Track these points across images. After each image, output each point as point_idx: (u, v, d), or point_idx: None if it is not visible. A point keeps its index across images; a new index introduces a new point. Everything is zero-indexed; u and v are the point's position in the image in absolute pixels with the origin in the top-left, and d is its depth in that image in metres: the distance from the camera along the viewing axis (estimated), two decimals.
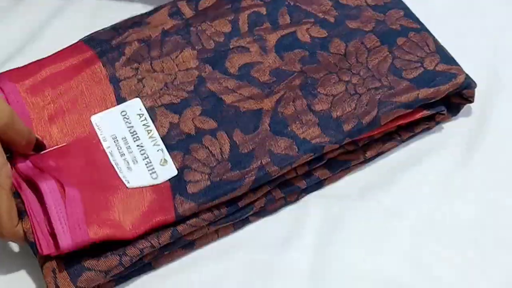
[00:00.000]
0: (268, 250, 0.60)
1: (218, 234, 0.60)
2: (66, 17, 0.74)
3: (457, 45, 0.67)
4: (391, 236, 0.60)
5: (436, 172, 0.63)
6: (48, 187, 0.56)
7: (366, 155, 0.63)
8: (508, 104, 0.67)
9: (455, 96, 0.64)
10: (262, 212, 0.61)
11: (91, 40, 0.65)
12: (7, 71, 0.63)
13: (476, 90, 0.64)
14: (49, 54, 0.64)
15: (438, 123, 0.65)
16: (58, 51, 0.64)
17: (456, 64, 0.64)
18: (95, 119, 0.61)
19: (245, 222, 0.61)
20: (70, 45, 0.65)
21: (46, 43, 0.71)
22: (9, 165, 0.55)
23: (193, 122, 0.61)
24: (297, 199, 0.62)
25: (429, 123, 0.64)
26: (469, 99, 0.64)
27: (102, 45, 0.64)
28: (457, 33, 0.71)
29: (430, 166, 0.64)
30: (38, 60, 0.64)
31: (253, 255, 0.60)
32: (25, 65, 0.64)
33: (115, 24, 0.66)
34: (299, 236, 0.61)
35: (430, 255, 0.59)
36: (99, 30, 0.66)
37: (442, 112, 0.64)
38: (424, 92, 0.62)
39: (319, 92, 0.62)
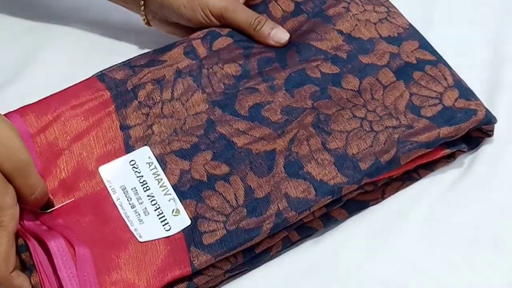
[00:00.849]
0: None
1: None
2: (57, 43, 0.73)
3: (456, 45, 0.67)
4: (391, 237, 0.59)
5: (438, 174, 0.62)
6: (56, 245, 0.54)
7: (385, 195, 0.61)
8: (508, 105, 0.66)
9: (474, 131, 0.62)
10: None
11: (105, 77, 0.62)
12: (20, 108, 0.61)
13: (478, 92, 0.63)
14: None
15: (456, 158, 0.63)
16: (71, 87, 0.62)
17: (476, 98, 0.62)
18: (104, 170, 0.59)
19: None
20: (83, 81, 0.62)
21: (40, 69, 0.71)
22: (17, 209, 0.53)
23: (205, 168, 0.58)
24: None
25: (449, 160, 0.62)
26: (488, 133, 0.62)
27: (118, 86, 0.62)
28: (455, 34, 0.70)
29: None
30: (51, 96, 0.61)
31: None
32: (38, 102, 0.61)
33: (130, 61, 0.64)
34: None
35: (430, 256, 0.58)
36: (113, 67, 0.63)
37: (463, 150, 0.62)
38: (444, 131, 0.59)
39: (332, 129, 0.60)
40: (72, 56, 0.71)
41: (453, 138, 0.60)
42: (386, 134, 0.59)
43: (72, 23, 0.74)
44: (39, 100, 0.62)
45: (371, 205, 0.61)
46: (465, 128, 0.60)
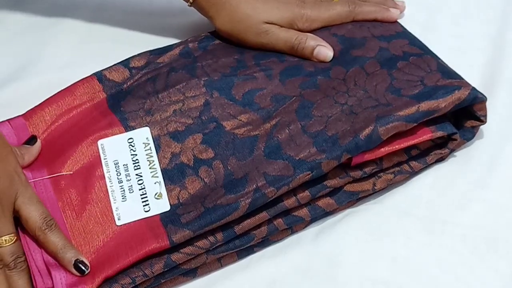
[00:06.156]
0: (269, 249, 0.59)
1: (221, 263, 0.58)
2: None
3: (456, 43, 0.67)
4: (389, 237, 0.59)
5: (436, 173, 0.61)
6: None
7: (376, 187, 0.60)
8: (506, 103, 0.64)
9: (467, 119, 0.61)
10: (266, 242, 0.59)
11: (104, 78, 0.65)
12: (25, 113, 0.64)
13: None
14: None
15: (452, 151, 0.61)
16: (70, 86, 0.64)
17: (461, 78, 0.61)
18: (102, 143, 0.61)
19: (249, 251, 0.58)
20: (82, 80, 0.65)
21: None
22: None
23: (193, 152, 0.60)
24: (304, 227, 0.60)
25: (442, 151, 0.61)
26: (481, 119, 0.60)
27: (113, 88, 0.64)
28: (456, 34, 0.70)
29: (434, 169, 0.62)
30: (50, 98, 0.64)
31: (253, 258, 0.59)
32: (39, 105, 0.64)
33: (129, 61, 0.66)
34: (300, 237, 0.60)
35: (428, 257, 0.57)
36: (112, 67, 0.66)
37: (454, 137, 0.60)
38: (425, 105, 0.58)
39: (313, 114, 0.60)
40: (72, 56, 0.73)
41: (436, 114, 0.59)
42: (366, 113, 0.59)
43: (72, 22, 0.76)
44: (40, 103, 0.64)
45: (361, 197, 0.60)
46: (447, 103, 0.59)
